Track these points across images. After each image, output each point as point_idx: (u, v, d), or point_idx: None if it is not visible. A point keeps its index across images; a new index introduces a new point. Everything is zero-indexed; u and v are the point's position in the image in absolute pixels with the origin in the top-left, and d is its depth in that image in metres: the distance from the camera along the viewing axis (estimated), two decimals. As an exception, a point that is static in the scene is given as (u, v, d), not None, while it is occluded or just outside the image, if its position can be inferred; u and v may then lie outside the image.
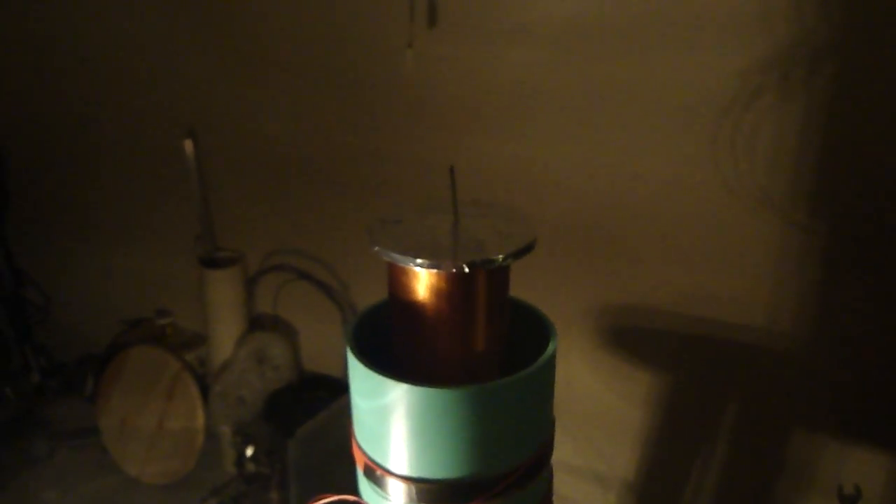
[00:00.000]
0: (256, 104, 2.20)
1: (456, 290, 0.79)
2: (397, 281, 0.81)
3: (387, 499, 0.85)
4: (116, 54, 2.40)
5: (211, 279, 2.35)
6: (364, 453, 0.87)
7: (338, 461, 2.18)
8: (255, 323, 2.47)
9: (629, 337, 1.87)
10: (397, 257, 0.76)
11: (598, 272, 1.85)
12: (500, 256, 0.76)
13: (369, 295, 2.21)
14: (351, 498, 0.91)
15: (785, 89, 1.52)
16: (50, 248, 2.89)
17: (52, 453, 2.58)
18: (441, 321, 0.80)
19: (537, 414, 0.86)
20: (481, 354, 0.84)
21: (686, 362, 1.83)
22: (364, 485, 0.89)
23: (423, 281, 0.79)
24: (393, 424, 0.81)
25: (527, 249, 0.78)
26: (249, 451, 2.10)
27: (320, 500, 0.92)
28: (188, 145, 2.31)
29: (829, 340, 1.65)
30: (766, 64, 1.52)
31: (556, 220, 1.84)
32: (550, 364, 0.84)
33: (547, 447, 0.90)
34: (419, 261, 0.75)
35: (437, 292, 0.79)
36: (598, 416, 1.97)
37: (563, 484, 1.97)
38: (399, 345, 0.86)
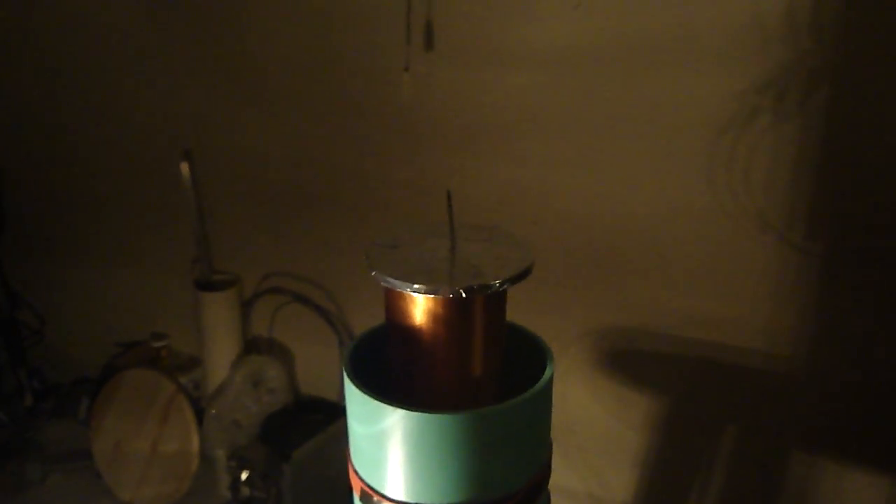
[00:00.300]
0: (253, 127, 2.20)
1: (453, 315, 0.78)
2: (394, 306, 0.81)
3: (383, 525, 0.84)
4: (112, 77, 2.40)
5: (206, 302, 2.35)
6: (360, 479, 0.86)
7: (334, 485, 2.16)
8: (251, 346, 2.46)
9: (627, 360, 1.87)
10: (394, 282, 0.76)
11: (596, 295, 1.84)
12: (498, 282, 0.75)
13: (365, 318, 2.20)
14: (347, 524, 0.91)
15: (781, 111, 1.53)
16: (45, 270, 2.89)
17: (45, 477, 2.56)
18: (438, 346, 0.80)
19: (535, 438, 0.86)
20: (478, 379, 0.83)
21: (684, 385, 1.82)
22: (360, 511, 0.89)
23: (420, 306, 0.78)
24: (390, 450, 0.80)
25: (524, 274, 0.78)
26: (245, 475, 2.09)
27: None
28: (184, 168, 2.31)
29: (828, 362, 1.65)
30: (762, 86, 1.53)
31: (552, 243, 1.84)
32: (547, 389, 0.84)
33: (545, 471, 0.89)
34: (416, 286, 0.75)
35: (435, 317, 0.78)
36: (595, 439, 1.96)
37: (560, 508, 1.96)
38: (396, 370, 0.86)
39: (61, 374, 2.91)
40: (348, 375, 0.83)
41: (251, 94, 2.18)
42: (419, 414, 0.76)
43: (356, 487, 0.88)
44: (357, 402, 0.82)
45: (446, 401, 0.83)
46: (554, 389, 0.87)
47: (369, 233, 2.06)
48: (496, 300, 0.82)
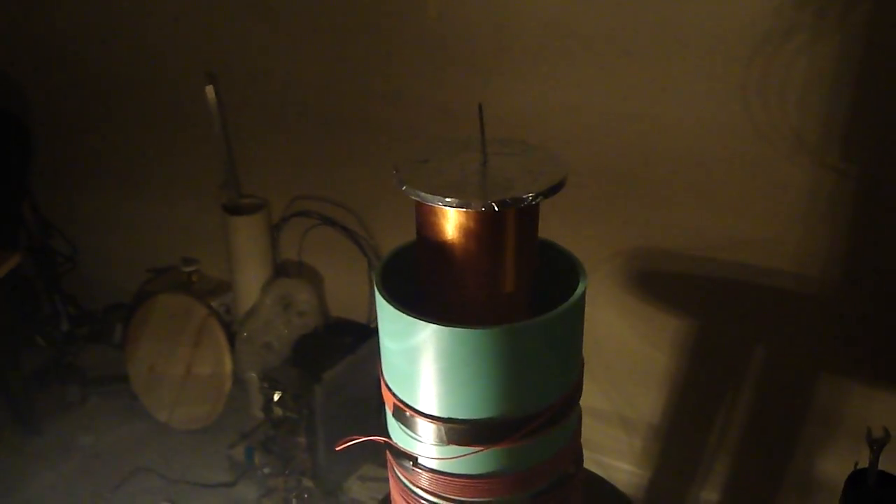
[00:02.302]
0: (278, 49, 2.17)
1: (485, 229, 0.77)
2: (425, 220, 0.80)
3: (416, 439, 0.85)
4: (138, 2, 2.37)
5: (235, 226, 2.35)
6: (393, 394, 0.87)
7: (364, 405, 2.20)
8: (281, 269, 2.48)
9: (656, 281, 1.86)
10: (425, 196, 0.75)
11: (626, 215, 1.82)
12: (530, 195, 0.74)
13: (394, 239, 2.18)
14: (380, 439, 0.92)
15: (820, 26, 1.48)
16: (75, 198, 2.90)
17: (85, 399, 2.62)
18: (469, 261, 0.79)
19: (567, 354, 0.86)
20: (510, 294, 0.83)
21: (713, 306, 1.81)
22: (393, 425, 0.90)
23: (451, 220, 0.77)
24: (422, 365, 0.80)
25: (557, 187, 0.77)
26: (277, 397, 2.12)
27: (350, 441, 0.93)
28: (209, 91, 2.29)
29: (860, 285, 1.63)
30: (801, 0, 1.47)
31: (582, 162, 1.81)
32: (580, 304, 0.83)
33: (576, 388, 0.90)
34: (448, 199, 0.74)
35: (466, 231, 0.78)
36: (623, 361, 1.96)
37: (587, 428, 1.97)
38: (427, 285, 0.86)
39: (95, 300, 2.96)
40: (379, 291, 0.82)
41: (276, 15, 2.14)
42: (451, 329, 0.76)
43: (389, 403, 0.89)
44: (389, 318, 0.82)
45: (478, 316, 0.82)
46: (584, 307, 0.86)
47: (397, 153, 2.03)
48: (529, 214, 0.81)
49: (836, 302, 1.66)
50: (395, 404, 0.86)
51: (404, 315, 0.79)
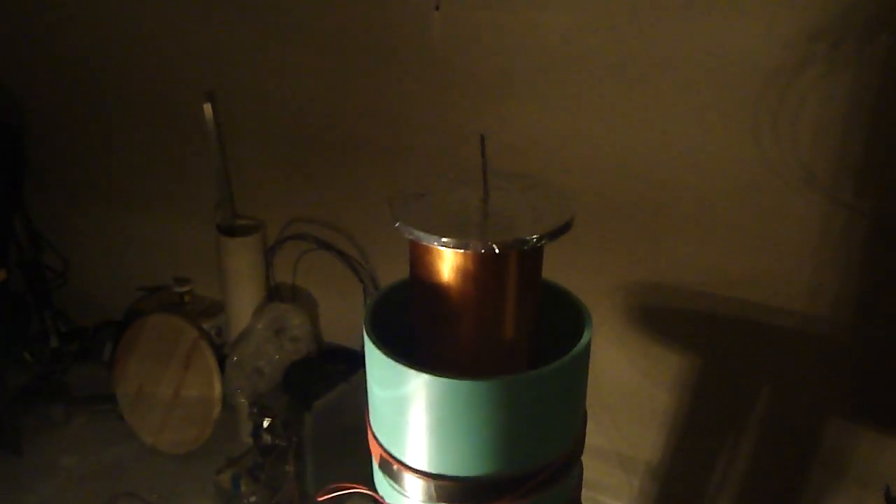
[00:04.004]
0: (277, 68, 2.14)
1: (484, 272, 0.72)
2: (420, 261, 0.75)
3: (403, 494, 0.79)
4: (135, 17, 2.34)
5: (229, 247, 2.31)
6: (380, 445, 0.81)
7: (355, 435, 2.14)
8: (274, 293, 2.43)
9: (660, 317, 1.81)
10: (420, 235, 0.69)
11: (631, 249, 1.78)
12: (535, 236, 0.69)
13: (391, 266, 2.15)
14: (365, 490, 0.86)
15: (834, 60, 1.44)
16: (67, 213, 2.86)
17: (70, 419, 2.57)
18: (467, 306, 0.74)
19: (568, 409, 0.80)
20: (509, 343, 0.77)
21: (718, 345, 1.77)
22: (379, 478, 0.84)
23: (448, 261, 0.72)
24: (412, 416, 0.74)
25: (564, 229, 0.71)
26: (266, 423, 2.07)
27: (334, 491, 0.87)
28: (207, 109, 2.25)
29: (871, 327, 1.58)
30: (816, 32, 1.43)
31: (585, 193, 1.77)
32: (584, 355, 0.78)
33: (578, 444, 0.84)
34: (444, 239, 0.68)
35: (464, 274, 0.72)
36: (624, 398, 1.91)
37: (585, 467, 1.93)
38: (420, 330, 0.80)
39: (85, 316, 2.91)
40: (368, 335, 0.77)
41: (277, 34, 2.10)
42: (444, 380, 0.70)
43: (375, 454, 0.83)
44: (378, 365, 0.76)
45: (474, 365, 0.77)
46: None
47: (396, 178, 1.99)
48: (532, 256, 0.75)
49: (846, 343, 1.61)
50: (381, 456, 0.80)
51: (393, 362, 0.73)
